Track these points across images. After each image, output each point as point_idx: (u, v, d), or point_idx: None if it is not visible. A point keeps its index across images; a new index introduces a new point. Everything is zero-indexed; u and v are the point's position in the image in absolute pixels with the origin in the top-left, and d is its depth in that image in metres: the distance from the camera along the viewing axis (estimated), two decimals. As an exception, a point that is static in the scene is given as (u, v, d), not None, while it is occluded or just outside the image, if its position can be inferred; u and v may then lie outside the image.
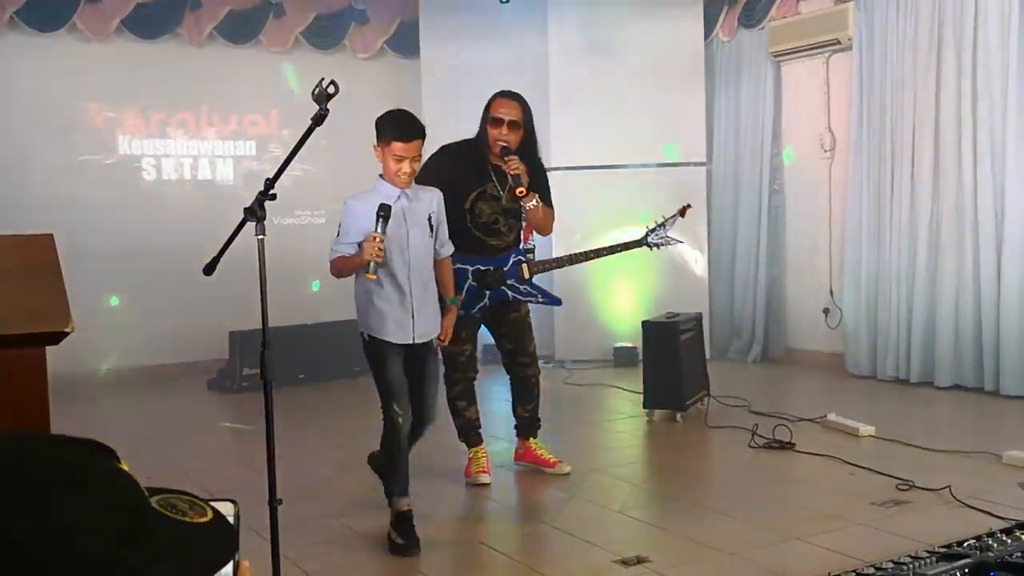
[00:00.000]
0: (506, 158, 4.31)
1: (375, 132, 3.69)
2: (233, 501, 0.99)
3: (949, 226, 6.45)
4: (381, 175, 3.77)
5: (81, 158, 7.77)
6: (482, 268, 4.45)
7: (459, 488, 4.56)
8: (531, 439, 4.78)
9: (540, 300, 4.66)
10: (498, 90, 4.53)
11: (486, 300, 4.45)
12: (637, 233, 5.03)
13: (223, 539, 0.83)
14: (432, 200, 3.86)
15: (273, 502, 2.90)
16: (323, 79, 2.73)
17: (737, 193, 8.13)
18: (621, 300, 7.92)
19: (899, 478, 4.29)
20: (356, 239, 3.67)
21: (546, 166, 4.74)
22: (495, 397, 6.27)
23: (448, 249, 4.00)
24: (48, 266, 2.18)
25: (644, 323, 6.01)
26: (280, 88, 8.35)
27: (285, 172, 2.88)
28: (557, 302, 4.91)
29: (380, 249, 3.51)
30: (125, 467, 0.80)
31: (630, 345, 7.62)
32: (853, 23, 7.03)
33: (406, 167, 3.65)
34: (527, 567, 3.50)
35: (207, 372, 7.42)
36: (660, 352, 5.82)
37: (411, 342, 3.79)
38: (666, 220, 4.92)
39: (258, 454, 2.93)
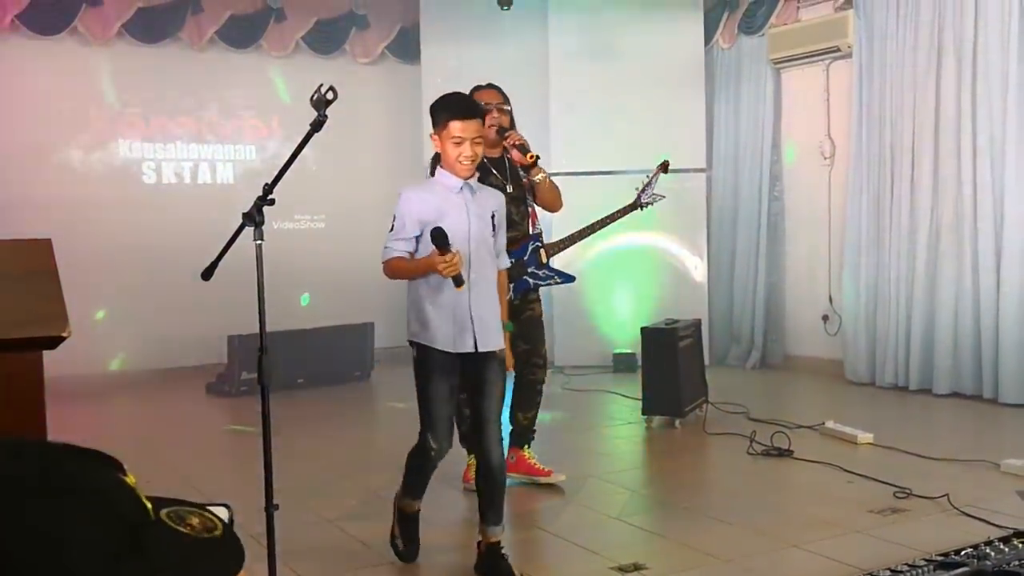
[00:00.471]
0: (506, 134, 4.36)
1: (431, 120, 3.39)
2: (227, 506, 0.99)
3: (948, 234, 6.45)
4: (439, 165, 3.46)
5: (81, 161, 7.77)
6: None
7: (455, 493, 4.56)
8: (524, 448, 4.66)
9: (558, 281, 4.65)
10: (482, 84, 4.56)
11: (510, 293, 4.28)
12: (630, 199, 5.00)
13: (230, 556, 0.82)
14: (496, 199, 3.54)
15: (270, 508, 2.89)
16: (322, 85, 2.73)
17: (737, 200, 8.13)
18: (620, 306, 7.93)
19: (897, 486, 4.28)
20: (414, 233, 3.31)
21: (547, 171, 4.72)
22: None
23: (503, 262, 3.59)
24: (46, 271, 2.18)
25: (643, 329, 6.01)
26: (280, 92, 8.37)
27: (285, 177, 2.88)
28: (571, 279, 4.82)
29: (458, 264, 3.17)
30: (130, 479, 0.79)
31: (629, 351, 7.63)
32: (853, 30, 7.04)
33: (467, 150, 3.28)
34: (524, 574, 3.50)
35: (206, 376, 7.41)
36: (659, 358, 5.82)
37: (472, 350, 3.35)
38: (651, 178, 4.99)
39: (256, 459, 2.92)
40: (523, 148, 4.33)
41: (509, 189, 4.39)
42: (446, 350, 3.34)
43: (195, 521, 0.81)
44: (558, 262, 4.80)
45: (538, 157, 4.40)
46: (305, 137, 2.77)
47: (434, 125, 3.37)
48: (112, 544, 0.72)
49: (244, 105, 8.37)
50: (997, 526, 3.67)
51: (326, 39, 8.56)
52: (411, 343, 3.43)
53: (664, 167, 5.11)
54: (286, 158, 2.88)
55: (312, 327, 7.63)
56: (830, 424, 5.48)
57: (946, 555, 3.23)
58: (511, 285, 4.28)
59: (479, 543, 3.42)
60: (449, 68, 8.32)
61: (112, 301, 7.72)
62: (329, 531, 4.02)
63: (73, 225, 7.64)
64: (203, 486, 4.58)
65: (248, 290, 2.88)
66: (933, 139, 6.53)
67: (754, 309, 7.97)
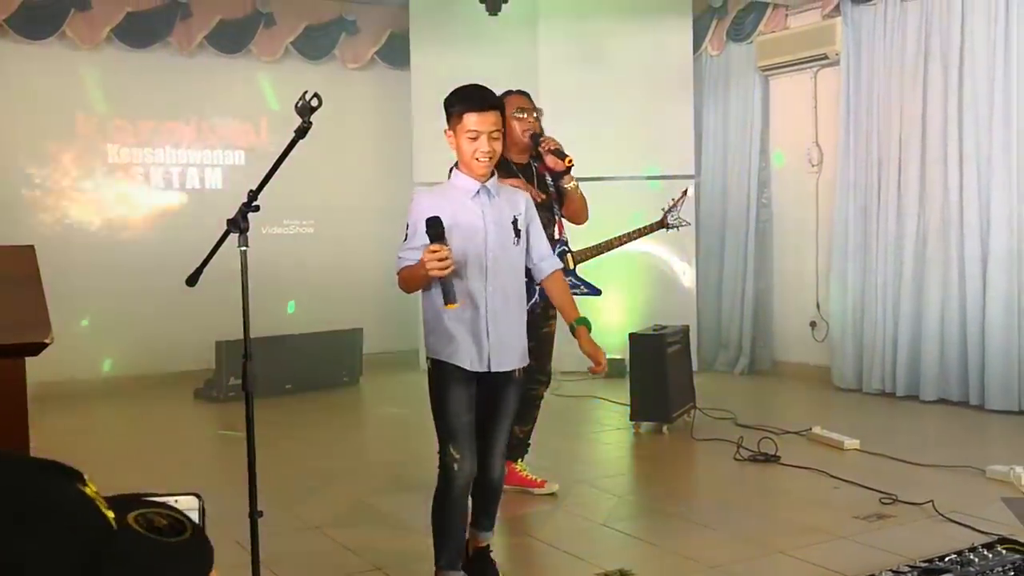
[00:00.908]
0: (541, 139, 4.27)
1: (445, 115, 3.10)
2: (197, 495, 0.98)
3: (935, 240, 6.49)
4: (454, 167, 3.19)
5: (69, 166, 7.75)
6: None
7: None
8: (518, 461, 4.60)
9: (584, 291, 4.49)
10: (513, 89, 4.42)
11: (536, 297, 4.19)
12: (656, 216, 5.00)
13: (200, 557, 0.81)
14: (520, 200, 3.22)
15: (254, 514, 2.89)
16: (306, 92, 2.73)
17: (725, 206, 8.16)
18: (609, 312, 7.93)
19: (883, 492, 4.30)
20: (426, 241, 2.96)
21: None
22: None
23: (552, 263, 3.32)
24: (29, 278, 2.18)
25: (631, 335, 6.02)
26: (269, 98, 8.36)
27: (275, 182, 2.88)
28: (598, 292, 4.64)
29: (443, 261, 2.84)
30: (91, 489, 0.77)
31: (618, 357, 7.63)
32: (840, 38, 7.08)
33: (484, 145, 3.00)
34: (510, 580, 3.49)
35: (194, 381, 7.40)
36: (647, 364, 5.83)
37: (486, 370, 3.08)
38: (676, 201, 4.97)
39: (242, 464, 2.92)
40: (560, 153, 4.24)
41: (537, 195, 4.20)
42: (465, 367, 3.07)
43: (163, 524, 0.80)
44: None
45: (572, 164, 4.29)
46: (290, 144, 2.77)
47: (448, 120, 3.08)
48: (75, 562, 0.71)
49: (233, 110, 8.36)
50: (982, 532, 3.68)
51: (316, 45, 8.56)
52: (428, 360, 3.15)
53: (685, 194, 5.21)
54: (281, 162, 2.87)
55: (301, 332, 7.62)
56: (817, 430, 5.50)
57: (930, 561, 3.24)
58: (537, 288, 4.10)
59: (467, 543, 3.39)
60: (439, 74, 8.32)
61: (100, 306, 7.70)
62: (315, 538, 4.01)
63: (62, 230, 7.63)
64: (187, 489, 4.57)
65: (237, 295, 2.88)
66: (920, 146, 6.56)
67: (742, 315, 7.99)
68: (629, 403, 5.92)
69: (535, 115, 4.37)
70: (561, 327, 3.71)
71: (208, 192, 8.26)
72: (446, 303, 2.92)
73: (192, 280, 2.93)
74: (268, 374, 6.58)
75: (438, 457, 3.12)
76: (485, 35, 8.15)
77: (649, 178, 7.99)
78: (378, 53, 8.86)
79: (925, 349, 6.51)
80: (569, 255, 4.45)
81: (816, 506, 4.28)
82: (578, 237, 4.76)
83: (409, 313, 8.51)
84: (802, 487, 4.62)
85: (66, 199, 7.69)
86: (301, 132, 2.75)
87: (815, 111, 7.54)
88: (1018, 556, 3.22)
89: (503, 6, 7.34)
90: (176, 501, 0.97)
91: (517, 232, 3.14)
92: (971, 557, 3.22)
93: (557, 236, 4.44)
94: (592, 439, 6.07)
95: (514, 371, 3.16)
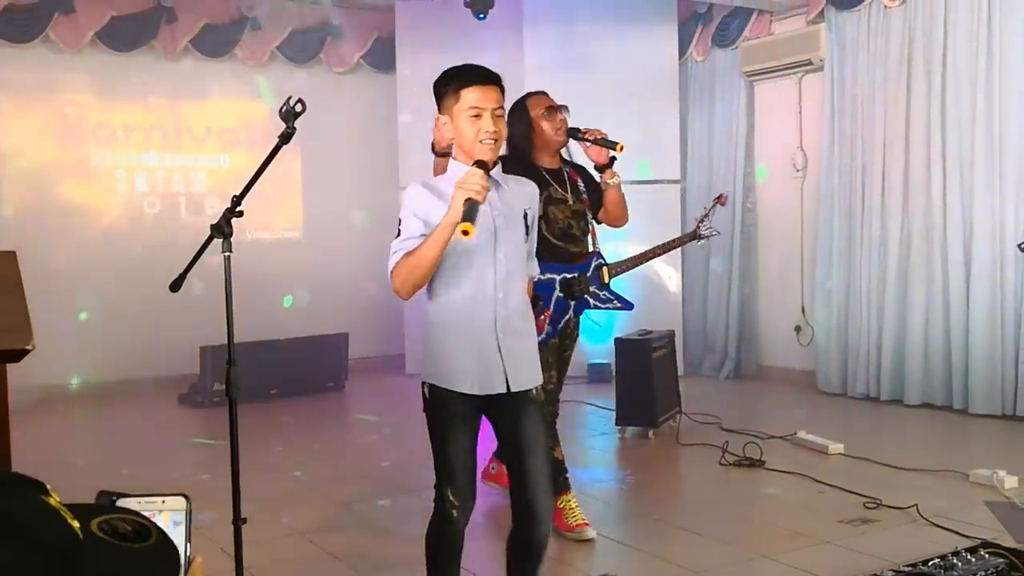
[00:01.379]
0: (582, 131, 4.04)
1: (436, 98, 2.68)
2: (185, 496, 0.98)
3: (919, 245, 6.52)
4: (452, 157, 2.72)
5: (53, 170, 7.71)
6: (568, 276, 4.02)
7: (425, 504, 4.53)
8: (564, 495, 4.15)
9: (617, 306, 4.26)
10: (531, 91, 4.20)
11: (571, 312, 4.03)
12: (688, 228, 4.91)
13: (165, 561, 0.81)
14: (532, 191, 2.79)
15: (237, 521, 2.87)
16: (290, 97, 2.73)
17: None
18: (595, 317, 7.94)
19: (867, 496, 4.32)
20: (422, 231, 2.54)
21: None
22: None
23: (534, 267, 2.87)
24: (10, 283, 2.17)
25: (617, 340, 6.03)
26: (255, 102, 8.33)
27: (261, 186, 2.87)
28: (631, 306, 4.39)
29: (484, 185, 2.41)
30: (54, 499, 0.77)
31: (603, 362, 7.65)
32: (825, 44, 7.11)
33: (488, 123, 2.55)
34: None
35: (179, 387, 7.36)
36: (633, 369, 5.84)
37: (504, 391, 2.61)
38: (709, 211, 4.81)
39: (226, 470, 2.90)
40: (607, 142, 3.97)
41: (570, 202, 4.03)
42: (468, 392, 2.61)
43: (127, 529, 0.79)
44: None
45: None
46: (274, 149, 2.76)
47: (441, 102, 2.65)
48: (44, 573, 0.70)
49: (218, 114, 8.34)
50: (965, 536, 3.70)
51: (301, 48, 8.55)
52: (422, 385, 2.69)
53: (722, 200, 5.01)
54: (265, 167, 2.86)
55: (286, 337, 7.60)
56: (802, 434, 5.51)
57: (914, 565, 3.25)
58: (572, 304, 4.01)
59: None
60: (424, 78, 8.30)
61: (84, 311, 7.66)
62: (299, 544, 3.99)
63: (45, 234, 7.58)
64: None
65: (221, 300, 2.87)
66: (903, 151, 6.60)
67: (727, 320, 8.01)
68: (615, 408, 5.92)
69: (564, 113, 4.10)
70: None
71: (193, 196, 8.23)
72: (466, 222, 2.35)
73: (175, 286, 2.92)
74: (253, 379, 6.56)
75: (435, 496, 2.70)
76: (471, 40, 8.14)
77: (635, 183, 7.98)
78: (364, 57, 8.85)
79: (909, 354, 6.54)
80: (604, 268, 4.19)
81: (801, 510, 4.29)
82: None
83: (395, 318, 8.52)
84: (787, 491, 4.63)
85: (49, 203, 7.64)
86: (285, 137, 2.75)
87: (800, 116, 7.57)
88: (1001, 560, 3.23)
89: (489, 11, 7.34)
90: (164, 501, 0.97)
91: (526, 227, 2.70)
92: (954, 561, 3.23)
93: (592, 247, 4.19)
94: (578, 444, 6.05)
95: (532, 390, 2.69)
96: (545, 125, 4.00)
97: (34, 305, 2.82)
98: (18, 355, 2.01)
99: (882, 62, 6.72)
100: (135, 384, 7.64)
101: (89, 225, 7.80)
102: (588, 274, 4.08)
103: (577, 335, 4.26)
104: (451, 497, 2.64)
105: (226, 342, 2.85)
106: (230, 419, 2.87)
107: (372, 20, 8.75)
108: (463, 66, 2.65)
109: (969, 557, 3.26)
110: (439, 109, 2.66)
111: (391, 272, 2.54)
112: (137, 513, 0.83)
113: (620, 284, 4.33)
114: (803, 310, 7.54)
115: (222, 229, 2.78)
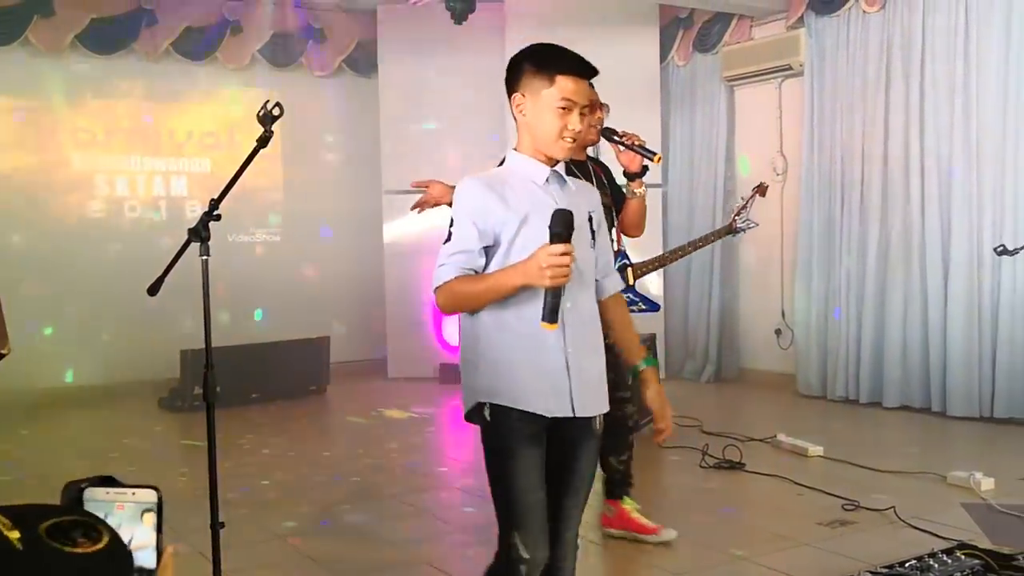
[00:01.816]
0: (619, 134, 3.85)
1: (513, 77, 2.31)
2: (155, 488, 0.98)
3: (897, 249, 6.57)
4: (514, 148, 2.38)
5: (32, 174, 7.66)
6: None
7: (405, 508, 4.54)
8: (624, 499, 3.98)
9: (642, 308, 4.10)
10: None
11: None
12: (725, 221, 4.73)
13: (116, 565, 0.81)
14: (594, 193, 2.50)
15: (215, 525, 2.87)
16: (268, 101, 2.73)
17: (691, 215, 8.21)
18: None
19: (845, 498, 4.34)
20: (483, 244, 2.22)
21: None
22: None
23: (616, 282, 2.51)
24: (-15, 286, 2.16)
25: (598, 343, 6.02)
26: (236, 105, 8.31)
27: (242, 189, 2.87)
28: (657, 308, 4.21)
29: (568, 267, 2.07)
30: None
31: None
32: (804, 49, 7.16)
33: (575, 121, 2.26)
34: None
35: (159, 390, 7.33)
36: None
37: (569, 415, 2.27)
38: (747, 202, 4.69)
39: (205, 474, 2.89)
40: (646, 150, 3.81)
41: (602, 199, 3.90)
42: (539, 413, 2.25)
43: (77, 535, 0.79)
44: None
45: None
46: (251, 153, 2.76)
47: (520, 83, 2.29)
48: None
49: (199, 118, 8.31)
50: (942, 538, 3.73)
51: (283, 52, 8.53)
52: (479, 407, 2.29)
53: (762, 190, 4.80)
54: (243, 171, 2.85)
55: (267, 341, 7.58)
56: (781, 437, 5.54)
57: (891, 567, 3.27)
58: None
59: None
60: (406, 82, 8.34)
61: (65, 314, 7.61)
62: (279, 548, 3.98)
63: (25, 237, 7.54)
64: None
65: (201, 304, 2.86)
66: (882, 155, 6.65)
67: (708, 323, 8.04)
68: (596, 411, 5.93)
69: (603, 112, 3.89)
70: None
71: (173, 199, 8.20)
72: (550, 321, 2.09)
73: (153, 289, 2.91)
74: (234, 383, 6.53)
75: (498, 544, 2.31)
76: (452, 44, 8.17)
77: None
78: (345, 61, 8.84)
79: (888, 356, 6.59)
80: (629, 268, 4.02)
81: (780, 513, 4.31)
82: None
83: (376, 321, 8.51)
84: (766, 494, 4.65)
85: (29, 206, 7.60)
86: (263, 141, 2.75)
87: (780, 121, 7.61)
88: (977, 561, 3.26)
89: (470, 15, 7.36)
90: (134, 493, 0.97)
91: (592, 233, 2.37)
92: (931, 563, 3.26)
93: (617, 247, 3.96)
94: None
95: (595, 419, 2.36)
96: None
97: (12, 310, 2.81)
98: (-7, 359, 1.99)
99: (861, 67, 6.77)
100: (115, 388, 7.60)
101: (67, 230, 7.75)
102: None
103: None
104: (520, 543, 2.22)
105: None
106: (208, 423, 2.86)
107: (353, 24, 8.74)
108: (562, 48, 2.31)
109: (946, 558, 3.29)
110: (516, 87, 2.29)
111: (437, 287, 2.23)
112: (90, 514, 0.82)
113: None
114: (783, 314, 7.57)
115: (199, 233, 2.78)
